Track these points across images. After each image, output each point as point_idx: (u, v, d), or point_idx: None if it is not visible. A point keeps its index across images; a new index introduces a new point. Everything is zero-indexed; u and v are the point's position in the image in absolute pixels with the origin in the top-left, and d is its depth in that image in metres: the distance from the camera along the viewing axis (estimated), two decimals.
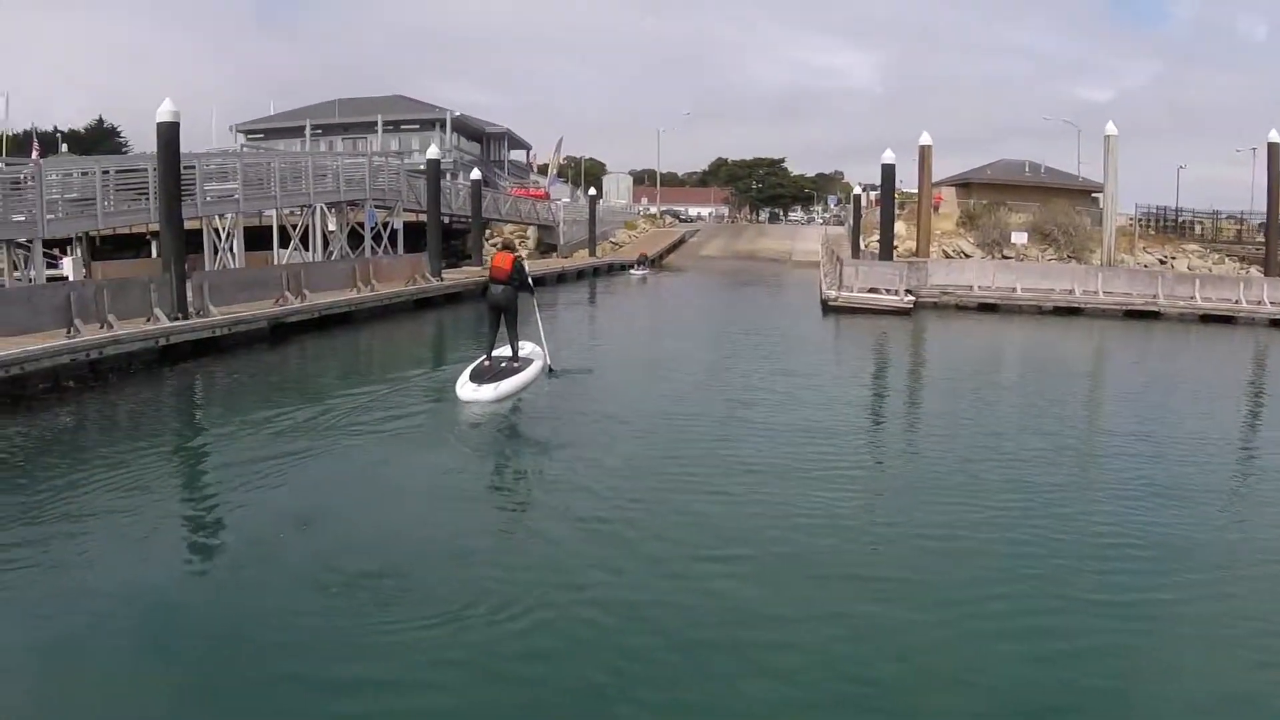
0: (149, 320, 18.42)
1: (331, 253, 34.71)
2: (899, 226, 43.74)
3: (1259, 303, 34.64)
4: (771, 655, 6.52)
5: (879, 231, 39.42)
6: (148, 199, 24.48)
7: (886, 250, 37.01)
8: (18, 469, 10.90)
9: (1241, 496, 11.26)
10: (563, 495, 10.06)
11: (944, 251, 50.39)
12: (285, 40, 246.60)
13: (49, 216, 22.51)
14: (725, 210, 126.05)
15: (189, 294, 19.67)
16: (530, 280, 16.60)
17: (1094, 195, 59.69)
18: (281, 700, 5.86)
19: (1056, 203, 55.79)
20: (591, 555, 8.24)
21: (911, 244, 45.07)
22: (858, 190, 58.61)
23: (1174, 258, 52.67)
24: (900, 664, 6.47)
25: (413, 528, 9.03)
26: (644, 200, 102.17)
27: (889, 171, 36.58)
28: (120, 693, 5.93)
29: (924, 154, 38.85)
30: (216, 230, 30.35)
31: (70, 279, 24.91)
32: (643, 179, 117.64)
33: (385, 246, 37.34)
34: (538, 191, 70.70)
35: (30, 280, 22.66)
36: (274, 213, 33.80)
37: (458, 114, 77.78)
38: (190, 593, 7.36)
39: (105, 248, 36.92)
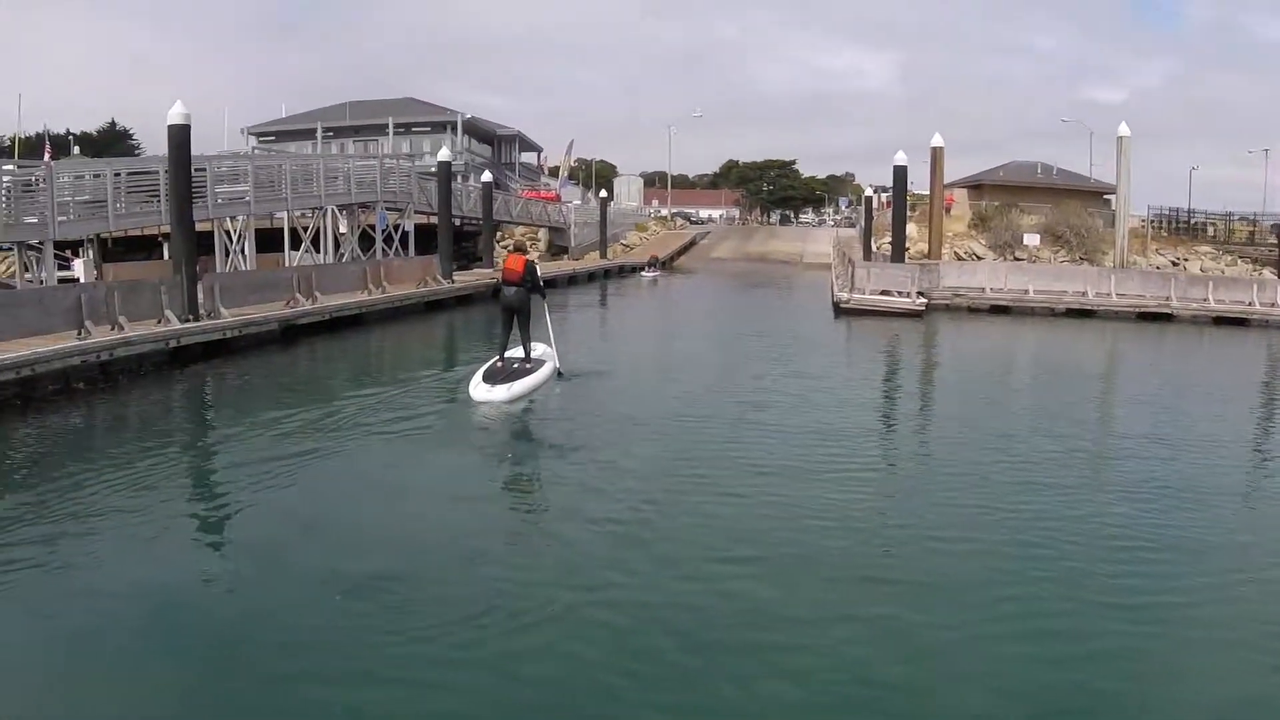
0: (160, 322, 18.43)
1: (343, 255, 34.75)
2: (910, 228, 43.62)
3: (1272, 305, 34.39)
4: (785, 656, 6.47)
5: (890, 233, 39.22)
6: (159, 201, 24.53)
7: (898, 252, 36.83)
8: (28, 470, 10.92)
9: (1254, 498, 11.19)
10: (575, 497, 10.02)
11: (956, 253, 50.25)
12: (297, 43, 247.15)
13: (60, 218, 22.57)
14: (736, 212, 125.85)
15: (200, 296, 19.67)
16: (541, 283, 16.58)
17: (1106, 197, 59.48)
18: (288, 703, 5.82)
19: (1068, 204, 55.64)
20: (604, 557, 8.19)
21: (923, 246, 44.91)
22: (869, 192, 58.59)
23: (1186, 259, 52.47)
24: (913, 665, 6.42)
25: (424, 529, 9.00)
26: (655, 202, 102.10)
27: (901, 173, 36.41)
28: (128, 693, 5.90)
29: (936, 155, 38.67)
30: (228, 232, 30.44)
31: (81, 281, 24.92)
32: (654, 181, 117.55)
33: (396, 248, 37.39)
34: (549, 194, 70.73)
35: (41, 282, 22.70)
36: (285, 215, 33.92)
37: (469, 116, 77.87)
38: (199, 594, 7.31)
39: (117, 249, 37.07)
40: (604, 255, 58.27)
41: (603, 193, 65.16)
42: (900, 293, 32.70)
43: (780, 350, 22.86)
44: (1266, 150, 75.12)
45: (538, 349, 16.64)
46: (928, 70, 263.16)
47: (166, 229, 23.81)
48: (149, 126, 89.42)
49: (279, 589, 7.42)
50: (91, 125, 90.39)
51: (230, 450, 11.98)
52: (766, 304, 39.51)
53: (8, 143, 70.35)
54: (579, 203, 69.92)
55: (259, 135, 78.78)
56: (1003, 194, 61.37)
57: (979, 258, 49.25)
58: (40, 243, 22.74)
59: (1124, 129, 39.69)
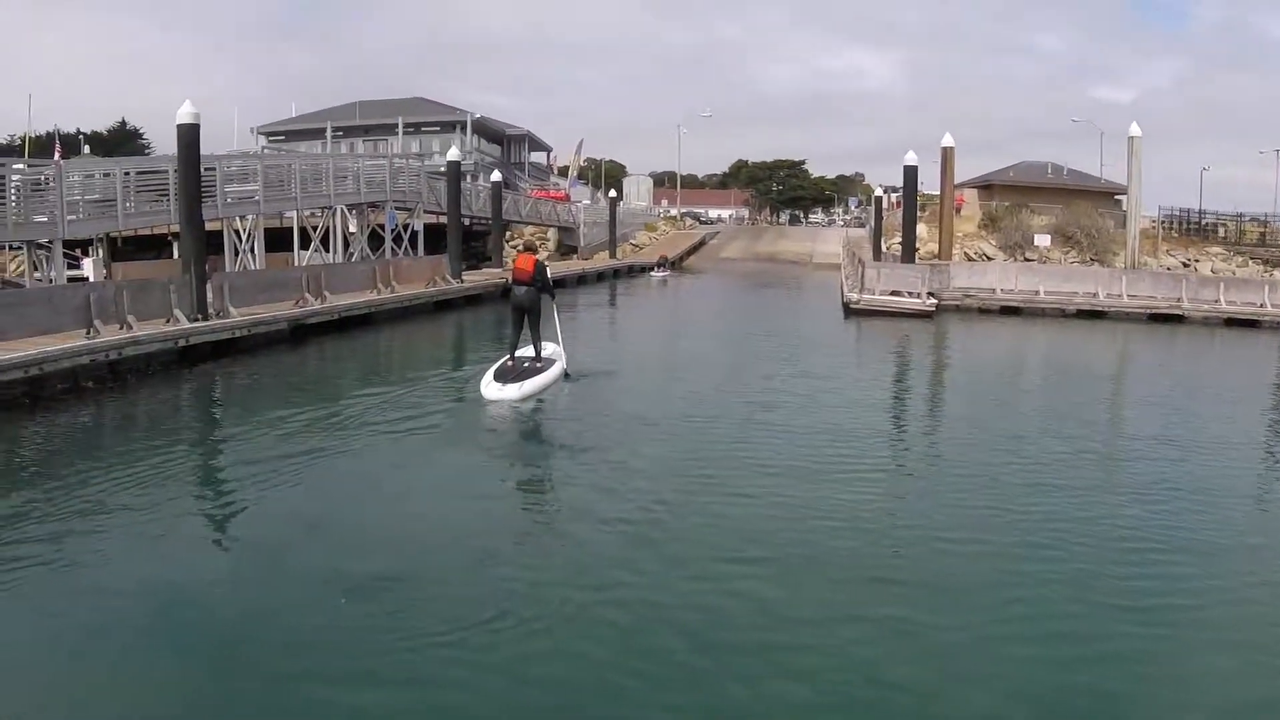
0: (169, 321, 18.43)
1: (352, 254, 34.78)
2: (920, 228, 43.51)
3: None
4: (794, 657, 6.46)
5: (900, 233, 39.11)
6: (168, 200, 24.56)
7: (908, 252, 36.70)
8: (37, 468, 10.93)
9: (1265, 500, 11.12)
10: (583, 496, 10.00)
11: (966, 254, 50.15)
12: (307, 43, 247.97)
13: (70, 217, 22.63)
14: (745, 212, 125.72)
15: (209, 295, 19.67)
16: (551, 283, 16.56)
17: (1116, 197, 59.33)
18: (293, 702, 5.80)
19: (1079, 205, 55.54)
20: (613, 557, 8.16)
21: (933, 246, 44.82)
22: (879, 192, 58.34)
23: (1197, 260, 52.32)
24: (923, 666, 6.39)
25: (432, 528, 8.98)
26: (664, 202, 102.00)
27: (911, 173, 36.22)
28: (132, 691, 5.89)
29: (946, 155, 38.53)
30: (237, 231, 30.47)
31: (90, 280, 24.97)
32: (663, 181, 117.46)
33: (405, 248, 37.41)
34: (558, 193, 70.79)
35: (50, 281, 22.74)
36: (295, 214, 33.92)
37: (478, 116, 77.89)
38: (206, 593, 7.29)
39: (127, 248, 37.19)
40: (613, 255, 58.26)
41: (612, 192, 65.11)
42: (910, 293, 32.57)
43: (789, 350, 22.80)
44: (1278, 150, 74.75)
45: (547, 348, 16.68)
46: (935, 70, 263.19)
47: (176, 228, 23.83)
48: (159, 126, 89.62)
49: (286, 588, 7.39)
50: (102, 125, 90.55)
51: (238, 449, 11.97)
52: (776, 304, 39.43)
53: (18, 142, 70.58)
54: (588, 202, 69.95)
55: (269, 135, 78.87)
56: (1013, 194, 61.27)
57: (989, 258, 49.15)
58: (49, 241, 22.77)
59: (1135, 129, 39.52)
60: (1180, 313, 33.84)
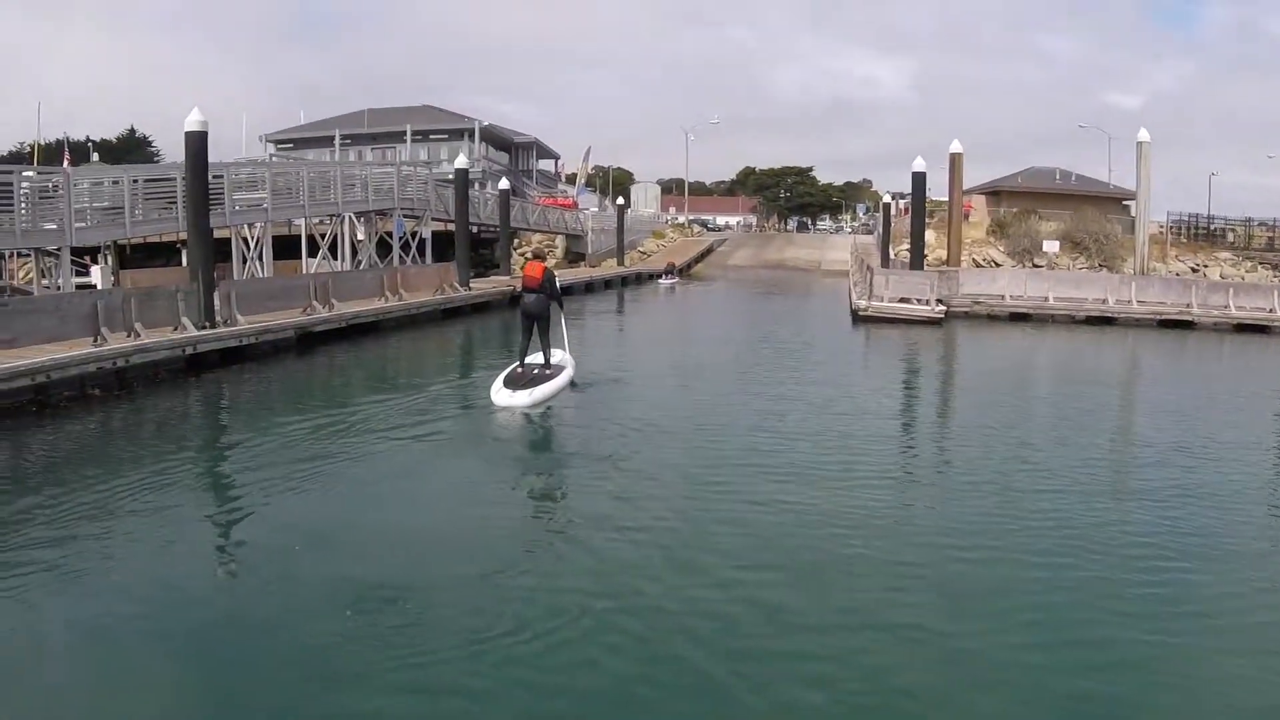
0: (176, 329, 18.42)
1: (360, 262, 34.80)
2: (928, 235, 43.39)
3: None
4: (810, 664, 6.44)
5: (908, 240, 39.00)
6: (177, 208, 24.57)
7: (917, 259, 36.62)
8: (43, 475, 10.90)
9: (1278, 507, 11.03)
10: (594, 504, 9.96)
11: (974, 260, 50.10)
12: (316, 51, 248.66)
13: (78, 225, 22.62)
14: (753, 219, 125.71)
15: (217, 303, 19.65)
16: (559, 291, 16.56)
17: (1125, 203, 59.32)
18: (300, 715, 5.76)
19: (1087, 210, 55.48)
20: (624, 564, 8.13)
21: (941, 253, 44.73)
22: (886, 199, 58.25)
23: (1206, 265, 52.25)
24: (937, 673, 6.39)
25: (440, 537, 8.96)
26: (672, 209, 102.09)
27: (919, 179, 36.12)
28: (137, 698, 5.89)
29: (955, 162, 38.42)
30: (245, 239, 30.48)
31: (98, 287, 24.97)
32: (670, 188, 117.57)
33: (413, 256, 37.39)
34: (566, 201, 70.84)
35: (59, 288, 22.74)
36: (303, 222, 33.95)
37: (486, 124, 78.04)
38: (212, 602, 7.27)
39: (136, 256, 37.19)
40: (621, 262, 58.25)
41: (620, 200, 65.15)
42: (919, 300, 32.50)
43: (798, 358, 22.75)
44: None
45: (557, 355, 16.68)
46: (943, 76, 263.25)
47: (184, 236, 23.82)
48: (168, 134, 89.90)
49: (294, 597, 7.34)
50: (111, 132, 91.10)
51: (245, 457, 11.92)
52: (784, 311, 39.34)
53: (28, 149, 70.84)
54: (596, 210, 70.04)
55: (277, 142, 79.08)
56: (1021, 200, 61.24)
57: (997, 264, 49.07)
58: (58, 249, 22.78)
59: (1144, 134, 39.41)
60: (1190, 318, 33.67)
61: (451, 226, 38.45)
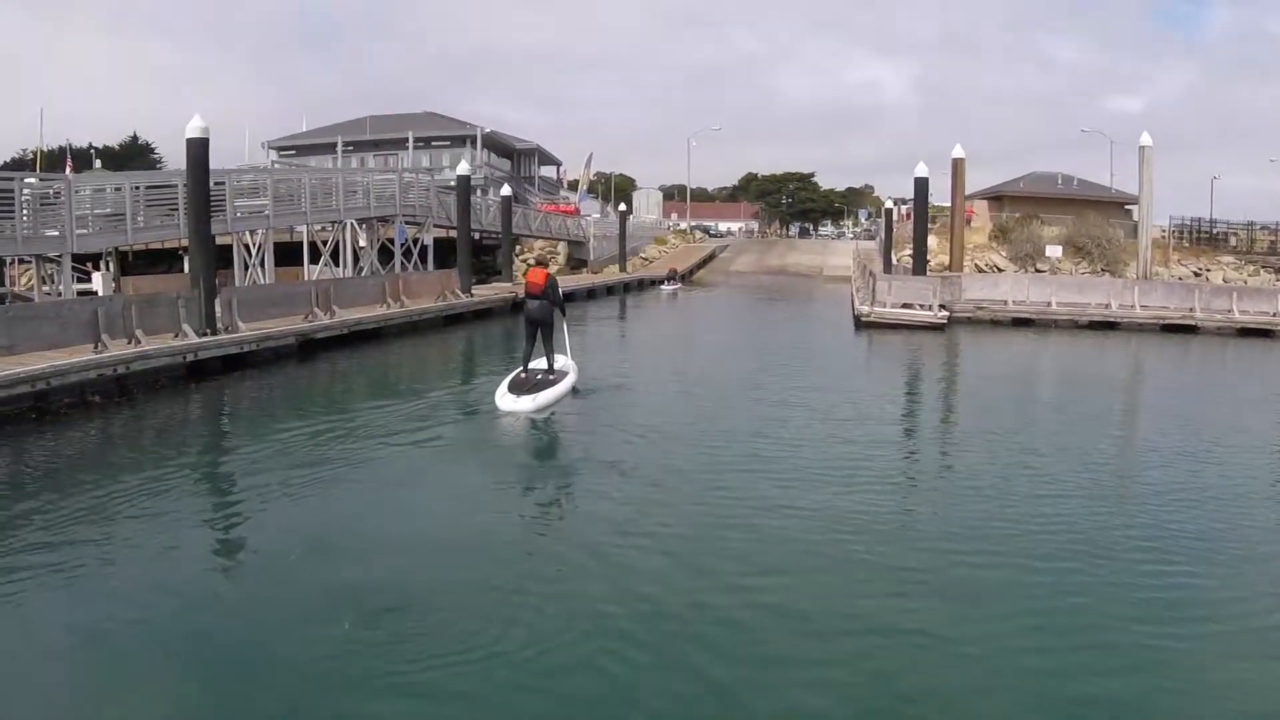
0: (177, 336, 18.37)
1: (361, 269, 34.80)
2: (930, 240, 43.36)
3: None
4: (819, 670, 6.44)
5: (911, 245, 38.96)
6: (178, 215, 24.55)
7: (920, 264, 36.55)
8: (42, 483, 10.85)
9: None
10: (597, 509, 9.95)
11: (976, 265, 50.07)
12: (318, 58, 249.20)
13: (80, 231, 22.59)
14: (755, 225, 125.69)
15: (218, 310, 19.61)
16: (561, 296, 16.56)
17: (1127, 207, 59.32)
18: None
19: (1089, 215, 55.44)
20: (632, 570, 8.10)
21: (943, 258, 44.69)
22: (889, 204, 58.21)
23: (1209, 270, 52.23)
24: (945, 678, 6.36)
25: (447, 543, 8.93)
26: (674, 215, 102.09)
27: (922, 185, 36.02)
28: (135, 707, 5.86)
29: (957, 167, 38.39)
30: (247, 246, 30.45)
31: (100, 294, 24.96)
32: (673, 194, 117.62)
33: (415, 262, 37.37)
34: (568, 207, 70.80)
35: (59, 295, 22.72)
36: (304, 229, 33.95)
37: (488, 130, 78.10)
38: (211, 610, 7.22)
39: (138, 262, 37.21)
40: (623, 269, 58.23)
41: (621, 206, 65.14)
42: (922, 305, 32.42)
43: (801, 364, 22.69)
44: None
45: (559, 360, 16.68)
46: (946, 81, 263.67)
47: (186, 242, 23.81)
48: (171, 141, 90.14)
49: (293, 604, 7.31)
50: (114, 139, 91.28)
51: (246, 465, 11.86)
52: (787, 317, 39.31)
53: (30, 156, 70.94)
54: (598, 216, 70.00)
55: (279, 149, 79.19)
56: (1023, 205, 61.31)
57: (999, 269, 49.01)
58: (59, 255, 22.75)
59: (1146, 139, 39.34)
60: (1193, 323, 33.63)
61: (453, 233, 38.42)
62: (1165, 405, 18.99)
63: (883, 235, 55.38)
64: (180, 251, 34.25)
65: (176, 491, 10.53)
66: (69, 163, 54.88)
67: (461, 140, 76.22)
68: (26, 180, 23.86)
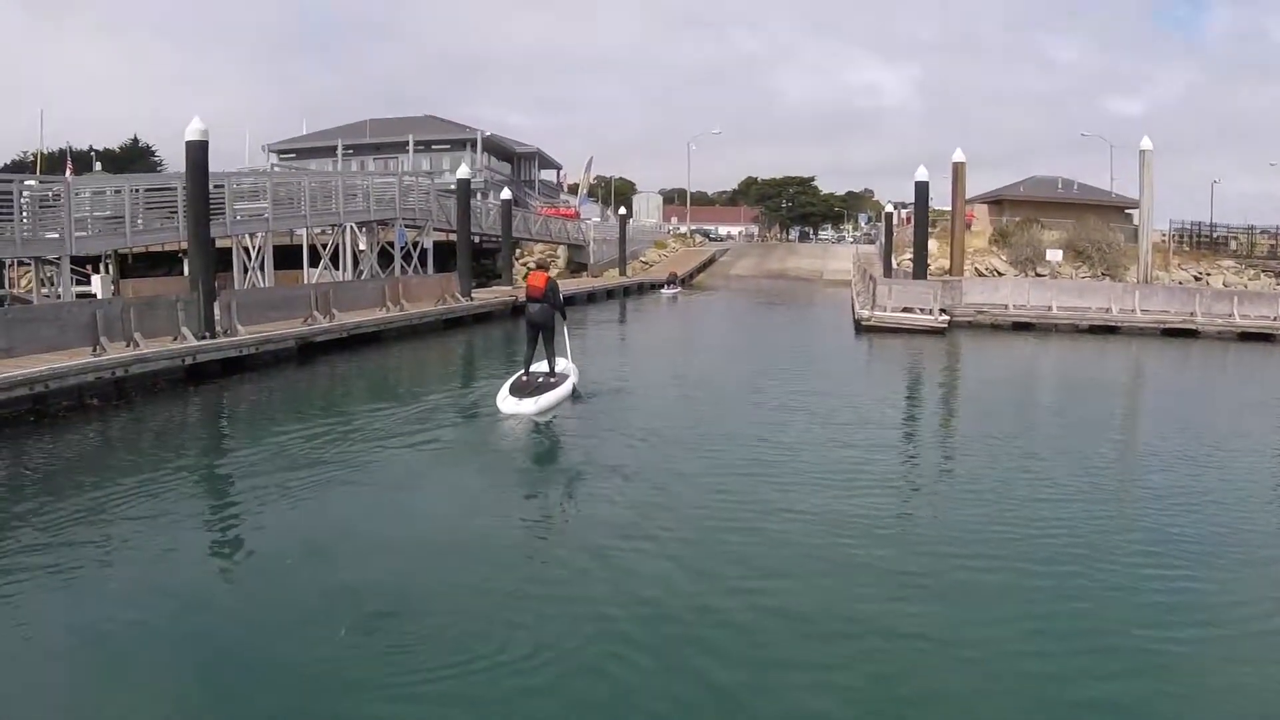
0: (176, 339, 18.34)
1: (361, 272, 34.77)
2: (930, 244, 43.35)
3: None
4: (818, 672, 6.45)
5: (911, 249, 38.94)
6: (178, 217, 24.53)
7: (920, 268, 36.53)
8: (40, 486, 10.83)
9: None
10: (598, 513, 9.94)
11: (976, 269, 50.06)
12: (318, 61, 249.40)
13: (79, 234, 22.58)
14: (755, 229, 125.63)
15: (217, 313, 19.58)
16: (562, 300, 16.57)
17: (1127, 211, 59.32)
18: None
19: (1090, 219, 55.45)
20: (635, 574, 8.08)
21: (944, 262, 44.69)
22: (889, 208, 58.19)
23: (1209, 274, 52.20)
24: (949, 681, 6.37)
25: (448, 546, 8.90)
26: (674, 219, 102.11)
27: (923, 189, 35.97)
28: (132, 708, 5.85)
29: (957, 170, 38.42)
30: (246, 249, 30.44)
31: (99, 296, 24.93)
32: (673, 198, 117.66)
33: (415, 266, 37.37)
34: (568, 211, 70.87)
35: (58, 297, 22.69)
36: (304, 232, 33.94)
37: (488, 134, 78.02)
38: (209, 613, 7.19)
39: (138, 265, 37.20)
40: (623, 272, 58.24)
41: (622, 210, 65.17)
42: (922, 310, 32.41)
43: (802, 368, 22.67)
44: None
45: (560, 364, 16.70)
46: (946, 84, 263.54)
47: (185, 245, 23.79)
48: (172, 143, 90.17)
49: (291, 607, 7.29)
50: (114, 141, 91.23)
51: (245, 468, 11.84)
52: (787, 321, 39.33)
53: (31, 158, 70.95)
54: (598, 220, 70.06)
55: (279, 152, 79.09)
56: (1023, 209, 61.31)
57: (1000, 274, 49.00)
58: (58, 258, 22.73)
59: (1146, 142, 39.38)
60: (1194, 327, 33.63)
61: (453, 236, 38.43)
62: (1166, 409, 18.97)
63: (883, 239, 55.44)
64: (180, 254, 34.21)
65: (175, 494, 10.51)
66: (69, 165, 54.86)
67: (462, 143, 76.12)
68: (26, 182, 23.86)
